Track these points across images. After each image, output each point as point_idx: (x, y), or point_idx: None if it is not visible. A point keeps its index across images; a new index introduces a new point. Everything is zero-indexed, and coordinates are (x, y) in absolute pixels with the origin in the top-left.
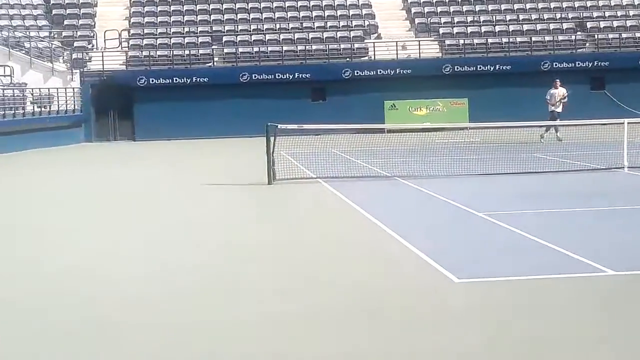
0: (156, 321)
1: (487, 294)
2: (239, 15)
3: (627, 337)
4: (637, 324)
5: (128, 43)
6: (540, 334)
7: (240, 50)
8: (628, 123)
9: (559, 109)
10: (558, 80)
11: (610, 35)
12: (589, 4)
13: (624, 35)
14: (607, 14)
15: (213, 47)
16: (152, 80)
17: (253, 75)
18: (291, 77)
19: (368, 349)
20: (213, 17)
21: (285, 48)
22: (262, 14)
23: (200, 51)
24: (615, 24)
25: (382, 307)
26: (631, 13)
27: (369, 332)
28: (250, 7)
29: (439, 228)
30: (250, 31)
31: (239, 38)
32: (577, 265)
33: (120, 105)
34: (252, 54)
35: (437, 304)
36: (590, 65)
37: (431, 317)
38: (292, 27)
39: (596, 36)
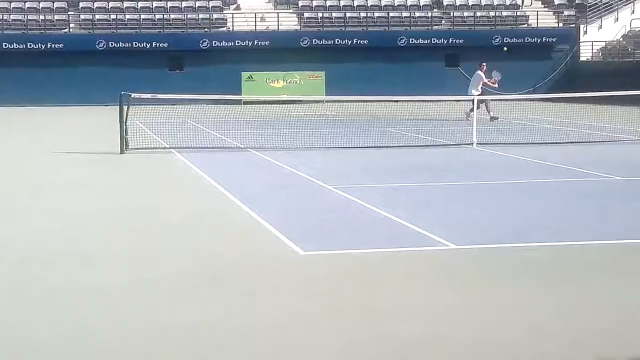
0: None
1: (332, 266)
2: None
3: (466, 307)
4: (476, 296)
5: None
6: (381, 304)
7: (97, 17)
8: (478, 100)
9: (478, 92)
10: (484, 64)
11: (466, 14)
12: None
13: (478, 14)
14: None
15: (69, 12)
16: (5, 45)
17: (110, 43)
18: (148, 46)
19: (214, 318)
20: None
21: (143, 16)
22: None
23: (56, 17)
24: (471, 2)
25: (226, 276)
26: None
27: (213, 302)
28: None
29: (288, 200)
30: None
31: (96, 5)
32: (420, 238)
33: None
34: (109, 21)
35: (281, 275)
36: (445, 42)
37: (274, 287)
38: None
39: (452, 14)
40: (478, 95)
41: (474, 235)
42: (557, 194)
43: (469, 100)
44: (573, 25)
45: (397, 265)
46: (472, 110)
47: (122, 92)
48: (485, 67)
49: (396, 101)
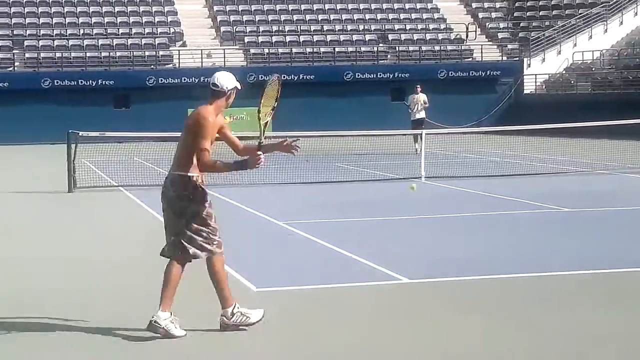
0: None
1: (285, 303)
2: (42, 20)
3: (419, 339)
4: (427, 329)
5: None
6: (338, 339)
7: (42, 55)
8: (426, 134)
9: (422, 114)
10: (419, 85)
11: (411, 48)
12: (390, 16)
13: (423, 48)
14: (407, 26)
15: (14, 51)
16: None
17: (55, 81)
18: (94, 83)
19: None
20: (14, 20)
21: (88, 54)
22: (65, 18)
23: (1, 55)
24: (416, 37)
25: (179, 317)
26: (431, 27)
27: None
28: (53, 12)
29: (240, 236)
30: (53, 36)
31: (41, 43)
32: (375, 273)
33: None
34: (55, 59)
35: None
36: (391, 76)
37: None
38: (96, 33)
39: (397, 48)
40: (422, 116)
41: (424, 269)
42: (505, 226)
43: (413, 133)
44: (517, 59)
45: (350, 300)
46: (416, 141)
47: (70, 131)
48: (419, 88)
49: (343, 136)
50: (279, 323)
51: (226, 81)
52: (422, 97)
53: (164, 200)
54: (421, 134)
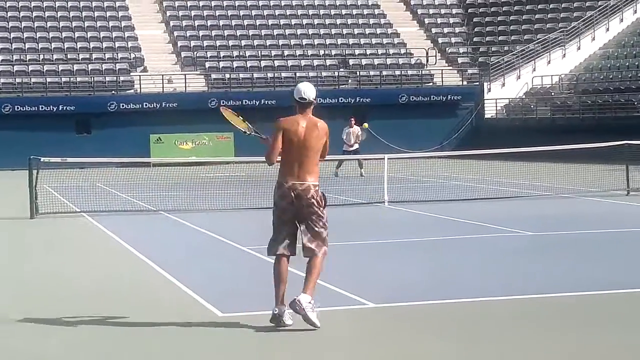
0: None
1: (251, 327)
2: (1, 45)
3: None
4: (395, 353)
5: None
6: None
7: (2, 80)
8: (388, 158)
9: (357, 146)
10: (352, 118)
11: (372, 73)
12: (351, 41)
13: (384, 73)
14: (368, 51)
15: None
16: None
17: (15, 107)
18: (55, 109)
19: None
20: None
21: (49, 79)
22: (25, 43)
23: None
24: (376, 62)
25: (145, 343)
26: (391, 51)
27: None
28: (13, 37)
29: (205, 262)
30: (12, 61)
31: (0, 68)
32: (339, 298)
33: None
34: (15, 84)
35: (201, 338)
36: (352, 101)
37: (194, 350)
38: (56, 59)
39: (358, 73)
40: (357, 147)
41: (389, 293)
42: (468, 250)
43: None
44: (477, 84)
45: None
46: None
47: (32, 156)
48: (353, 121)
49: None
50: (246, 347)
51: (312, 92)
52: (356, 130)
53: (300, 205)
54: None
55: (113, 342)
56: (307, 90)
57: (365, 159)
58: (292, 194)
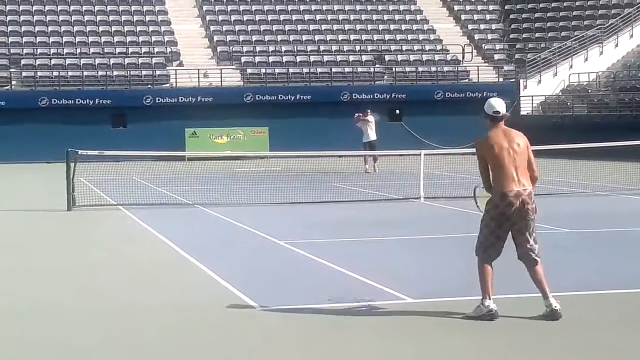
0: None
1: (288, 322)
2: (39, 39)
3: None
4: (433, 349)
5: None
6: (340, 358)
7: (39, 74)
8: (424, 154)
9: (374, 136)
10: (369, 110)
11: (408, 69)
12: (387, 37)
13: (420, 69)
14: (404, 47)
15: (11, 70)
16: None
17: (52, 100)
18: (92, 102)
19: None
20: (11, 39)
21: (85, 73)
22: (62, 37)
23: None
24: (412, 58)
25: (185, 336)
26: (427, 48)
27: (171, 358)
28: (50, 31)
29: (242, 256)
30: (50, 55)
31: (37, 62)
32: (377, 292)
33: None
34: (52, 78)
35: (239, 332)
36: (388, 97)
37: (232, 343)
38: (92, 52)
39: (394, 69)
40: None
41: (427, 289)
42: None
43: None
44: (513, 80)
45: (354, 319)
46: (367, 162)
47: (69, 149)
48: (369, 112)
49: (340, 156)
50: (284, 340)
51: (504, 106)
52: (371, 119)
53: (525, 211)
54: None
55: (150, 334)
56: (500, 104)
57: (402, 155)
58: (517, 201)
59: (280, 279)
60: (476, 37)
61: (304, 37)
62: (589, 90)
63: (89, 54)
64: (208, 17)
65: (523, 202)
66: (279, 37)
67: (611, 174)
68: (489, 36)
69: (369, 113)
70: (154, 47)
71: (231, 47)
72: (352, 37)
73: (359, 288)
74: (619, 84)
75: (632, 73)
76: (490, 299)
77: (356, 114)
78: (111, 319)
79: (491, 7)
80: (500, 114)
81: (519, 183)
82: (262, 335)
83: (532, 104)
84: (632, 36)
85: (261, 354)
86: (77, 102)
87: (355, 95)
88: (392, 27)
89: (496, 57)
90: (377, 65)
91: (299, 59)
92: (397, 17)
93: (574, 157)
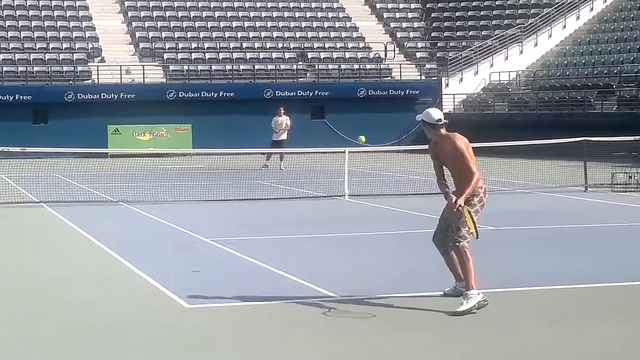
0: None
1: (217, 320)
2: None
3: (348, 356)
4: (359, 346)
5: None
6: (267, 357)
7: None
8: (349, 152)
9: (284, 136)
10: (282, 108)
11: (330, 66)
12: (309, 34)
13: (343, 67)
14: (327, 45)
15: None
16: None
17: None
18: (12, 98)
19: None
20: None
21: (5, 68)
22: None
23: None
24: (335, 55)
25: (111, 334)
26: (350, 45)
27: (101, 357)
28: None
29: (168, 254)
30: None
31: None
32: (304, 290)
33: None
34: None
35: (167, 330)
36: (311, 94)
37: (162, 343)
38: (12, 48)
39: (317, 66)
40: (284, 138)
41: (353, 286)
42: (427, 244)
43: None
44: (435, 78)
45: (281, 316)
46: (268, 158)
47: None
48: (282, 110)
49: (262, 153)
50: (212, 339)
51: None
52: (284, 119)
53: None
54: (281, 154)
55: (76, 333)
56: (439, 114)
57: (325, 152)
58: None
59: (208, 277)
60: (398, 35)
61: (227, 34)
62: (510, 89)
63: (9, 49)
64: (130, 13)
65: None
66: (202, 34)
67: (533, 171)
68: (411, 34)
69: (282, 112)
70: (75, 43)
71: (153, 44)
72: (275, 34)
73: (285, 285)
74: (539, 83)
75: (551, 72)
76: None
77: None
78: (32, 315)
79: (413, 6)
80: (442, 122)
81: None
82: (189, 334)
83: (454, 102)
84: (551, 36)
85: (189, 353)
86: None
87: (278, 93)
88: (314, 24)
89: (418, 55)
90: (300, 63)
91: (221, 55)
92: (319, 14)
93: (496, 155)
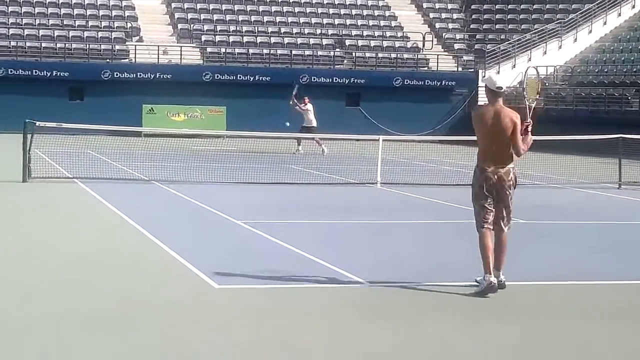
0: None
1: (247, 301)
2: None
3: (377, 344)
4: (388, 333)
5: None
6: (296, 340)
7: None
8: (383, 140)
9: (314, 123)
10: (307, 98)
11: (367, 54)
12: (348, 22)
13: (380, 55)
14: (365, 33)
15: None
16: None
17: (9, 70)
18: (49, 74)
19: (127, 356)
20: None
21: (44, 44)
22: (21, 7)
23: None
24: (373, 43)
25: (141, 313)
26: (388, 34)
27: (129, 338)
28: (9, 1)
29: (199, 234)
30: (7, 25)
31: None
32: (334, 275)
33: None
34: (10, 48)
35: (197, 309)
36: (347, 81)
37: (190, 321)
38: (52, 24)
39: (354, 54)
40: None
41: (383, 273)
42: (459, 234)
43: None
44: (472, 70)
45: (310, 300)
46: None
47: (27, 120)
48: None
49: (297, 138)
50: (241, 320)
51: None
52: (309, 108)
53: (501, 185)
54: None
55: (103, 310)
56: (501, 80)
57: (359, 140)
58: (494, 177)
59: (239, 259)
60: (437, 25)
61: (265, 18)
62: (547, 84)
63: (48, 25)
64: None
65: (499, 177)
66: (240, 17)
67: (566, 167)
68: (450, 25)
69: (307, 102)
70: (114, 22)
71: (192, 25)
72: (314, 20)
73: (314, 269)
74: (576, 79)
75: (589, 68)
76: (491, 273)
77: (291, 102)
78: (65, 294)
79: None
80: (502, 90)
81: (497, 162)
82: (217, 314)
83: None
84: (591, 32)
85: (216, 333)
86: (34, 74)
87: (314, 79)
88: (353, 12)
89: (456, 46)
90: (337, 50)
91: (259, 39)
92: (359, 1)
93: (530, 149)
